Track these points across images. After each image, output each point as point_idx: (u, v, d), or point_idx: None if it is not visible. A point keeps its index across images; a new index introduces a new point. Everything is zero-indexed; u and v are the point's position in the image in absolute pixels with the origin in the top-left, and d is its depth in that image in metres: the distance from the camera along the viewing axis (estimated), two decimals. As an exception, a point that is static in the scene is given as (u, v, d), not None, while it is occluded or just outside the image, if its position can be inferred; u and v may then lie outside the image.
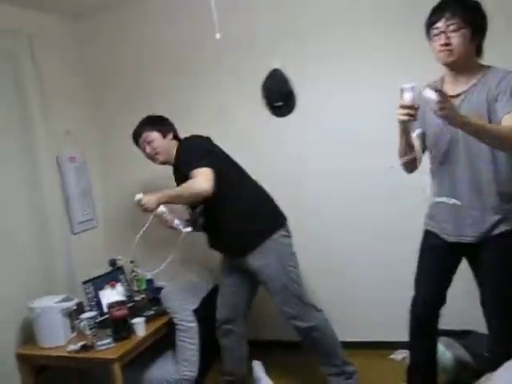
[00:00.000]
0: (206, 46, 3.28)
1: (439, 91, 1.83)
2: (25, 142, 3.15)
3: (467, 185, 2.10)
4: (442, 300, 2.33)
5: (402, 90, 1.95)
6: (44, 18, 3.44)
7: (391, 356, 3.16)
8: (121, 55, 3.67)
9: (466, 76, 2.09)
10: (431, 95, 1.81)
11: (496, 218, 2.08)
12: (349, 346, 2.87)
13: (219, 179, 2.53)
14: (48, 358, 2.87)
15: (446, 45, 2.02)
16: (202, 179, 2.48)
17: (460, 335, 2.76)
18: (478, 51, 2.11)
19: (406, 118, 1.96)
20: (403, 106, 1.95)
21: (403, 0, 2.91)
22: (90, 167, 3.72)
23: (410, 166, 2.23)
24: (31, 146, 3.17)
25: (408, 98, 1.93)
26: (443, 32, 2.03)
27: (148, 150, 2.79)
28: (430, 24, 2.08)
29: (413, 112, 1.95)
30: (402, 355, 3.09)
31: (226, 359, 2.92)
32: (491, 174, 2.06)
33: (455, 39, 2.01)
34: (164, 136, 2.78)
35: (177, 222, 2.61)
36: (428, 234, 2.32)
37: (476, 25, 2.04)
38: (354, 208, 3.22)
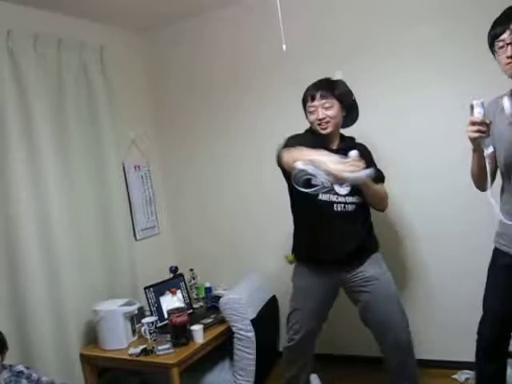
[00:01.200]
0: (271, 58, 3.31)
1: None
2: (95, 148, 3.27)
3: None
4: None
5: (471, 106, 1.90)
6: (112, 31, 3.60)
7: (454, 376, 3.04)
8: (188, 69, 3.75)
9: None
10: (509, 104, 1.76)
11: None
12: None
13: None
14: (110, 360, 2.96)
15: None
16: (387, 198, 2.60)
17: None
18: None
19: (477, 134, 1.89)
20: (474, 123, 1.89)
21: (475, 11, 2.83)
22: (153, 176, 3.83)
23: (483, 184, 2.13)
24: (100, 152, 3.29)
25: (478, 113, 1.88)
26: (509, 44, 1.94)
27: (320, 115, 2.47)
28: (495, 36, 2.00)
29: (484, 128, 1.89)
30: (465, 376, 2.99)
31: (292, 373, 2.79)
32: None
33: None
34: (342, 109, 2.54)
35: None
36: (497, 252, 2.23)
37: None
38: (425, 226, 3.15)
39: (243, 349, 3.00)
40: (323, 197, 2.47)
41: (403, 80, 3.06)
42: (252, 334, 2.99)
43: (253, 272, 3.45)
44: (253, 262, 3.55)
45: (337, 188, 2.47)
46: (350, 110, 2.58)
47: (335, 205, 2.48)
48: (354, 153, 2.28)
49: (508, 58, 1.96)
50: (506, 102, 1.79)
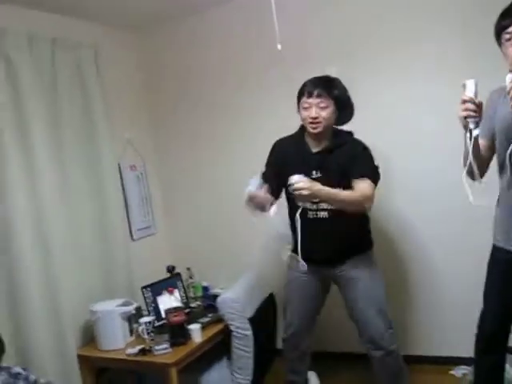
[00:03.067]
0: (265, 57, 3.30)
1: None
2: (90, 148, 3.26)
3: None
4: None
5: (463, 85, 1.87)
6: (107, 31, 3.58)
7: (451, 372, 3.05)
8: (182, 68, 3.75)
9: None
10: None
11: None
12: (409, 360, 2.80)
13: None
14: (107, 360, 2.95)
15: None
16: (370, 195, 2.41)
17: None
18: None
19: (465, 113, 1.85)
20: (464, 101, 1.85)
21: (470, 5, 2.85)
22: (149, 176, 3.82)
23: (473, 174, 2.08)
24: (96, 152, 3.28)
25: (469, 92, 1.85)
26: None
27: (314, 113, 2.45)
28: (502, 28, 1.96)
29: (472, 107, 1.85)
30: (462, 371, 3.00)
31: (289, 370, 2.87)
32: None
33: None
34: (336, 111, 2.51)
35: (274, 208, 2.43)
36: (494, 248, 2.23)
37: None
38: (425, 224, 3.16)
39: (241, 347, 3.00)
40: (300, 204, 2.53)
41: (397, 78, 3.08)
42: (250, 333, 2.99)
43: (250, 270, 3.45)
44: (250, 260, 3.54)
45: None
46: (344, 108, 2.57)
47: (309, 212, 2.53)
48: (294, 178, 2.28)
49: None
50: (507, 78, 1.78)
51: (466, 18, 2.85)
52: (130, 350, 2.85)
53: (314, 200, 2.42)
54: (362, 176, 2.42)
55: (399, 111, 3.11)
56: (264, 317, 3.16)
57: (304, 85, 2.52)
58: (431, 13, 2.95)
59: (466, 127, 1.91)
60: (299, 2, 3.23)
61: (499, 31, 1.98)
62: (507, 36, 1.93)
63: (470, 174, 2.03)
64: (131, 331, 3.03)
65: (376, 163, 2.52)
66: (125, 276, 3.35)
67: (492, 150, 2.13)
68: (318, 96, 2.44)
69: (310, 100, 2.45)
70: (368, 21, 3.11)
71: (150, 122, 3.91)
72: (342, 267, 2.58)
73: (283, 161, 2.60)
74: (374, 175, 2.48)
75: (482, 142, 2.07)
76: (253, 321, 3.02)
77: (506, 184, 2.08)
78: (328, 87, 2.47)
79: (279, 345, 3.02)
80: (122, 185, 3.55)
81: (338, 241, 2.55)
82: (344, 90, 2.56)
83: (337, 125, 2.59)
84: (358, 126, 2.61)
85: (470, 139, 1.92)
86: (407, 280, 3.24)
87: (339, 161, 2.47)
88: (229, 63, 3.56)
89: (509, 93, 1.80)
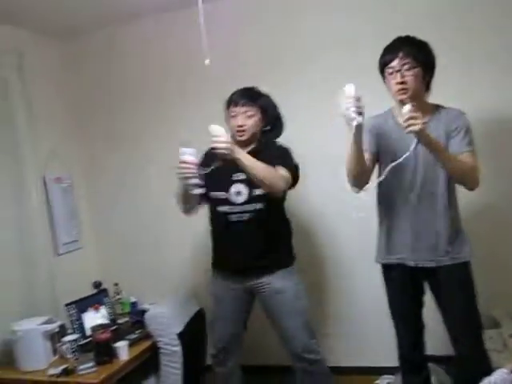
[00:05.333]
0: (194, 71, 3.27)
1: (413, 105, 1.98)
2: (12, 161, 3.14)
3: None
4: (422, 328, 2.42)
5: (343, 91, 2.02)
6: (33, 38, 3.45)
7: (377, 382, 3.13)
8: (106, 77, 3.70)
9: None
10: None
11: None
12: (334, 371, 2.82)
13: (285, 195, 2.60)
14: (28, 382, 2.80)
15: (402, 83, 2.14)
16: (286, 178, 2.44)
17: (445, 361, 2.76)
18: (427, 88, 2.25)
19: (349, 104, 2.01)
20: (346, 98, 2.00)
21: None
22: (76, 189, 3.71)
23: (360, 182, 2.27)
24: (18, 164, 3.16)
25: (349, 93, 2.01)
26: (398, 71, 2.15)
27: (240, 122, 2.51)
28: (384, 63, 2.21)
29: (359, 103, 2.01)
30: (386, 380, 3.07)
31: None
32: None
33: (409, 77, 2.14)
34: (262, 120, 2.59)
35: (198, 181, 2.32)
36: (389, 266, 2.38)
37: (427, 63, 2.19)
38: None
39: (169, 364, 2.96)
40: (221, 208, 2.56)
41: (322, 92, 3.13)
42: (178, 349, 2.96)
43: (179, 285, 3.42)
44: (178, 275, 3.51)
45: (233, 197, 2.52)
46: (275, 124, 2.64)
47: (231, 215, 2.54)
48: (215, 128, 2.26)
49: (397, 84, 2.16)
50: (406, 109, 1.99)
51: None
52: (53, 371, 2.74)
53: (228, 157, 2.29)
54: (280, 165, 2.46)
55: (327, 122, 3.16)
56: (193, 332, 3.13)
57: (231, 95, 2.58)
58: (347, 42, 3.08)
59: (349, 120, 2.04)
60: (228, 17, 3.25)
61: (382, 66, 2.23)
62: (389, 70, 2.19)
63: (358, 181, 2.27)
64: (55, 351, 2.91)
65: (297, 164, 2.59)
66: (48, 292, 3.22)
67: (373, 163, 2.33)
68: (244, 105, 2.50)
69: (237, 109, 2.51)
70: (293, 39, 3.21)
71: (77, 133, 3.79)
72: (267, 278, 2.57)
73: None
74: (292, 169, 2.53)
75: (365, 155, 2.24)
76: (182, 336, 2.99)
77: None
78: (254, 97, 2.55)
79: (209, 361, 2.98)
80: (48, 198, 3.42)
81: (259, 251, 2.56)
82: (272, 102, 2.63)
83: (268, 139, 2.63)
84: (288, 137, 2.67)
85: (355, 130, 2.06)
86: (329, 295, 3.32)
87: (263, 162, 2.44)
88: (155, 76, 3.55)
89: (406, 123, 1.98)
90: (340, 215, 3.20)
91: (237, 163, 2.31)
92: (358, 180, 2.27)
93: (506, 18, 2.86)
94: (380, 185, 2.28)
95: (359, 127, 2.04)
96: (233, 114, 2.53)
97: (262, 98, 2.58)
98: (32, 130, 3.25)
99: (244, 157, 2.33)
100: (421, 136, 2.00)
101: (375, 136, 2.31)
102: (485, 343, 2.28)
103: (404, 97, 2.15)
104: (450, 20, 2.91)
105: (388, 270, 2.38)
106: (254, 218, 2.52)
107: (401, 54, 2.14)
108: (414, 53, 2.14)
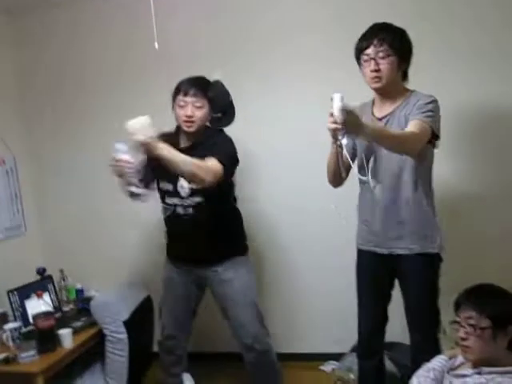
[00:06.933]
0: (146, 53, 3.20)
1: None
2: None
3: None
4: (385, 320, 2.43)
5: (331, 98, 1.90)
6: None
7: (321, 367, 3.20)
8: (58, 61, 3.56)
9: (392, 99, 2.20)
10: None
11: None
12: (280, 358, 2.84)
13: (231, 186, 2.61)
14: (-35, 372, 2.72)
15: (376, 71, 2.12)
16: (214, 170, 2.31)
17: (387, 347, 2.84)
18: (404, 77, 2.23)
19: (333, 126, 1.88)
20: (331, 114, 1.88)
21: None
22: (20, 172, 3.58)
23: (337, 178, 2.29)
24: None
25: (336, 105, 1.87)
26: (373, 58, 2.12)
27: (189, 112, 2.45)
28: (360, 50, 2.17)
29: (339, 120, 1.88)
30: (331, 366, 3.15)
31: (165, 373, 2.83)
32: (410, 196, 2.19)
33: (384, 65, 2.11)
34: (211, 111, 2.52)
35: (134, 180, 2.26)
36: (360, 253, 2.40)
37: (403, 52, 2.14)
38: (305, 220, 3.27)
39: (115, 351, 2.92)
40: (169, 200, 2.56)
41: (278, 82, 3.18)
42: (124, 336, 2.93)
43: (127, 272, 3.37)
44: (125, 261, 3.46)
45: (180, 190, 2.51)
46: (225, 111, 2.59)
47: (177, 207, 2.54)
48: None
49: (372, 71, 2.13)
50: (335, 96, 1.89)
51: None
52: (-8, 359, 2.66)
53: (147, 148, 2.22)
54: (212, 156, 2.36)
55: (279, 114, 3.20)
56: (140, 320, 3.10)
57: (180, 83, 2.51)
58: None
59: (334, 137, 1.95)
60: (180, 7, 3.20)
61: (358, 53, 2.19)
62: (365, 57, 2.16)
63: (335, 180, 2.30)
64: (-5, 339, 2.82)
65: (234, 154, 2.51)
66: (-12, 279, 3.11)
67: (353, 161, 2.30)
68: (194, 95, 2.45)
69: (186, 98, 2.45)
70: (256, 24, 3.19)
71: (23, 116, 3.66)
72: (216, 268, 2.58)
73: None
74: (225, 160, 2.40)
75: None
76: (128, 324, 2.96)
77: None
78: (204, 88, 2.48)
79: (156, 348, 2.96)
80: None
81: (209, 237, 2.55)
82: (223, 90, 2.56)
83: (216, 127, 2.59)
84: (236, 128, 2.64)
85: (341, 148, 2.04)
86: (277, 284, 3.35)
87: (201, 154, 2.38)
88: (107, 58, 3.45)
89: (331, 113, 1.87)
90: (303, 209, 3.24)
91: (160, 158, 2.23)
92: (333, 182, 2.36)
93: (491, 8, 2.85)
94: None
95: (341, 146, 2.00)
96: (182, 103, 2.46)
97: (213, 87, 2.52)
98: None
99: (168, 152, 2.22)
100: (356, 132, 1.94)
101: None
102: (438, 333, 2.28)
103: (378, 85, 2.13)
104: (435, 9, 2.91)
105: (359, 255, 2.40)
106: (196, 211, 2.51)
107: (375, 42, 2.09)
108: (390, 40, 2.09)
